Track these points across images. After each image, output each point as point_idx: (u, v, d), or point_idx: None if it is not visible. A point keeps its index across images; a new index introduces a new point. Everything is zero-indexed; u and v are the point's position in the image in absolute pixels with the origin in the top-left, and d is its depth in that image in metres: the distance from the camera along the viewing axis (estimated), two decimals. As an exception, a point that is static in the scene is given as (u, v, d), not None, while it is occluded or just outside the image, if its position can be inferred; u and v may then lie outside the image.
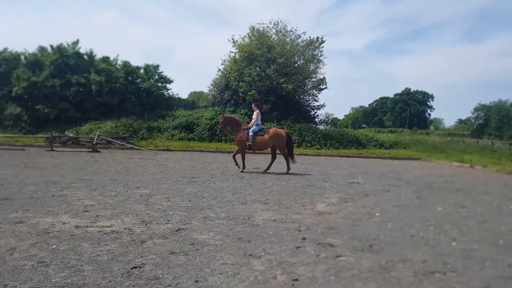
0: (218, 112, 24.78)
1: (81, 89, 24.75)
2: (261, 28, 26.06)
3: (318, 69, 26.30)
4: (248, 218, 5.35)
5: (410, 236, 4.78)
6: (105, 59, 26.84)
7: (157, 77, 27.32)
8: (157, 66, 27.33)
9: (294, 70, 25.14)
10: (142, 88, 25.89)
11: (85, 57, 26.22)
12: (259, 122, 11.72)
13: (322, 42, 25.71)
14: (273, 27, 26.24)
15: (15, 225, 4.56)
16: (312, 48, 25.70)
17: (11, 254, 3.57)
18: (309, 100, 28.18)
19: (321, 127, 28.40)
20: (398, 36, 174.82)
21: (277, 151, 11.83)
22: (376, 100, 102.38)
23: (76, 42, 26.36)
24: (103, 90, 24.58)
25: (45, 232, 4.36)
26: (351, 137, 24.33)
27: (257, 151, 14.58)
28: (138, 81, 26.39)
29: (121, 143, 19.22)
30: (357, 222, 5.42)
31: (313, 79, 26.74)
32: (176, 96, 29.91)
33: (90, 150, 17.09)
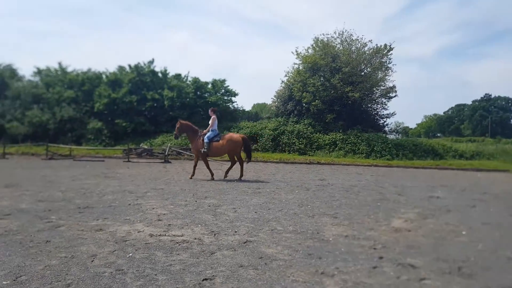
0: (281, 123, 24.82)
1: (155, 104, 26.49)
2: (325, 39, 25.77)
3: (386, 77, 25.21)
4: (317, 233, 5.10)
5: (507, 259, 4.16)
6: (177, 76, 28.58)
7: (223, 91, 28.30)
8: (223, 81, 28.33)
9: (360, 79, 24.34)
10: (209, 102, 26.94)
11: (160, 74, 28.12)
12: (215, 128, 11.35)
13: (391, 49, 24.63)
14: (337, 37, 25.83)
15: (96, 233, 4.85)
16: (380, 56, 24.72)
17: (92, 261, 3.76)
18: (377, 108, 27.04)
19: (392, 136, 26.96)
20: (474, 40, 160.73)
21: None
22: (452, 107, 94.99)
23: (152, 61, 28.38)
24: (175, 104, 26.04)
25: (122, 240, 4.56)
26: (426, 147, 22.70)
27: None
28: (206, 95, 27.58)
29: (190, 154, 20.03)
30: (441, 241, 4.89)
31: (381, 87, 25.63)
32: (241, 108, 30.64)
33: (162, 161, 18.04)
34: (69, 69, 29.87)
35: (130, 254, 3.99)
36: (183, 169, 14.48)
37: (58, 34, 73.90)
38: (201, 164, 12.60)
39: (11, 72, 30.42)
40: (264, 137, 23.54)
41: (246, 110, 31.28)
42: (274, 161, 19.43)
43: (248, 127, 24.82)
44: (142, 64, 28.17)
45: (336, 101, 24.64)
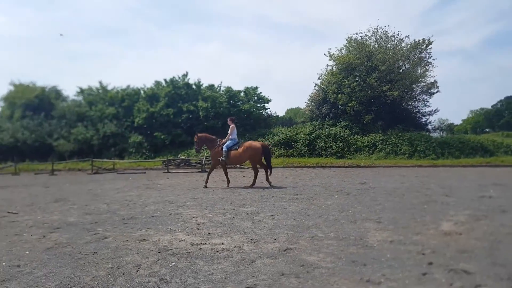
0: (316, 127, 24.50)
1: (190, 116, 27.14)
2: (359, 38, 25.27)
3: (427, 72, 24.24)
4: (360, 239, 4.92)
5: None
6: (211, 87, 29.19)
7: (256, 98, 28.47)
8: (255, 88, 28.52)
9: (398, 76, 23.56)
10: (242, 110, 27.19)
11: (194, 86, 28.84)
12: (235, 136, 11.32)
13: (430, 43, 23.69)
14: (372, 35, 25.25)
15: (140, 243, 4.97)
16: (419, 51, 23.84)
17: (137, 271, 3.84)
18: (418, 106, 26.06)
19: (436, 134, 25.80)
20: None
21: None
22: (501, 100, 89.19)
23: (186, 75, 29.19)
24: (209, 114, 26.55)
25: (165, 249, 4.64)
26: (474, 143, 21.49)
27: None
28: (239, 103, 27.88)
29: (227, 162, 20.26)
30: (497, 244, 4.54)
31: (422, 84, 24.65)
32: (274, 115, 30.64)
33: (200, 170, 18.37)
34: (109, 87, 31.37)
35: (173, 263, 4.04)
36: (220, 178, 14.63)
37: (97, 54, 78.15)
38: (234, 171, 12.67)
39: (56, 93, 32.42)
40: (299, 142, 23.33)
41: (280, 116, 31.24)
42: (311, 166, 19.18)
43: (282, 133, 24.73)
44: (177, 78, 29.04)
45: (373, 101, 23.99)
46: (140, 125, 27.28)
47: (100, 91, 31.01)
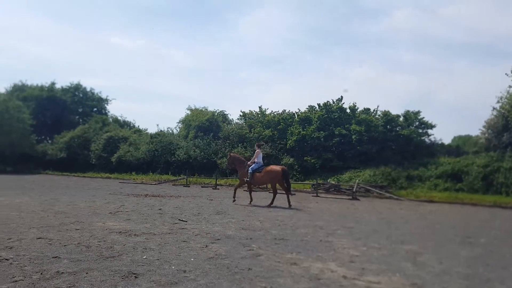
0: (494, 159, 20.58)
1: (342, 140, 26.65)
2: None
3: None
4: None
5: None
6: (366, 111, 28.26)
7: (417, 123, 25.99)
8: (417, 112, 26.10)
9: None
10: (401, 136, 25.16)
11: (348, 110, 28.41)
12: (260, 160, 12.50)
13: None
14: None
15: (291, 266, 4.89)
16: None
17: (288, 296, 3.73)
18: None
19: None
20: None
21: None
22: None
23: (340, 99, 29.11)
24: (363, 139, 25.54)
25: (316, 277, 4.42)
26: None
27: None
28: (397, 128, 25.94)
29: (380, 192, 18.92)
30: None
31: None
32: (439, 142, 27.23)
33: (350, 197, 17.63)
34: (267, 112, 33.83)
35: (324, 296, 3.78)
36: (373, 208, 13.66)
37: (254, 81, 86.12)
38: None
39: (223, 117, 36.95)
40: (471, 175, 19.97)
41: (446, 143, 27.51)
42: (486, 205, 16.06)
43: (449, 163, 21.68)
44: (331, 102, 29.16)
45: None
46: (292, 147, 28.28)
47: (259, 115, 33.76)
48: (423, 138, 25.80)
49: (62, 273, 4.17)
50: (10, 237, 5.91)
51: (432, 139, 26.36)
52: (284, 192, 12.59)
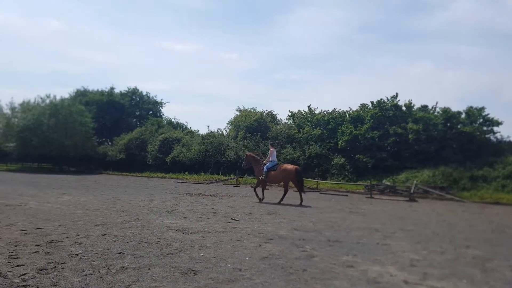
0: None
1: (397, 139, 25.49)
2: None
3: None
4: None
5: None
6: (423, 108, 26.78)
7: (481, 120, 24.10)
8: (481, 109, 24.18)
9: None
10: (463, 133, 23.49)
11: (403, 108, 27.13)
12: (274, 158, 13.09)
13: None
14: None
15: (347, 269, 4.76)
16: None
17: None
18: None
19: None
20: None
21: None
22: None
23: (395, 96, 27.83)
24: (420, 138, 24.23)
25: (374, 281, 4.27)
26: None
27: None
28: (459, 126, 24.24)
29: (440, 193, 17.84)
30: None
31: None
32: (506, 140, 25.00)
33: (407, 199, 16.81)
34: (317, 111, 33.30)
35: (385, 301, 3.63)
36: (433, 210, 12.90)
37: (303, 81, 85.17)
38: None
39: (272, 117, 36.95)
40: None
41: (514, 142, 25.15)
42: None
43: (518, 163, 19.87)
44: (385, 100, 27.99)
45: None
46: (343, 147, 27.57)
47: (308, 114, 33.35)
48: (487, 136, 23.86)
49: (127, 268, 4.41)
50: (79, 234, 6.38)
51: (499, 137, 24.28)
52: (297, 190, 13.27)
